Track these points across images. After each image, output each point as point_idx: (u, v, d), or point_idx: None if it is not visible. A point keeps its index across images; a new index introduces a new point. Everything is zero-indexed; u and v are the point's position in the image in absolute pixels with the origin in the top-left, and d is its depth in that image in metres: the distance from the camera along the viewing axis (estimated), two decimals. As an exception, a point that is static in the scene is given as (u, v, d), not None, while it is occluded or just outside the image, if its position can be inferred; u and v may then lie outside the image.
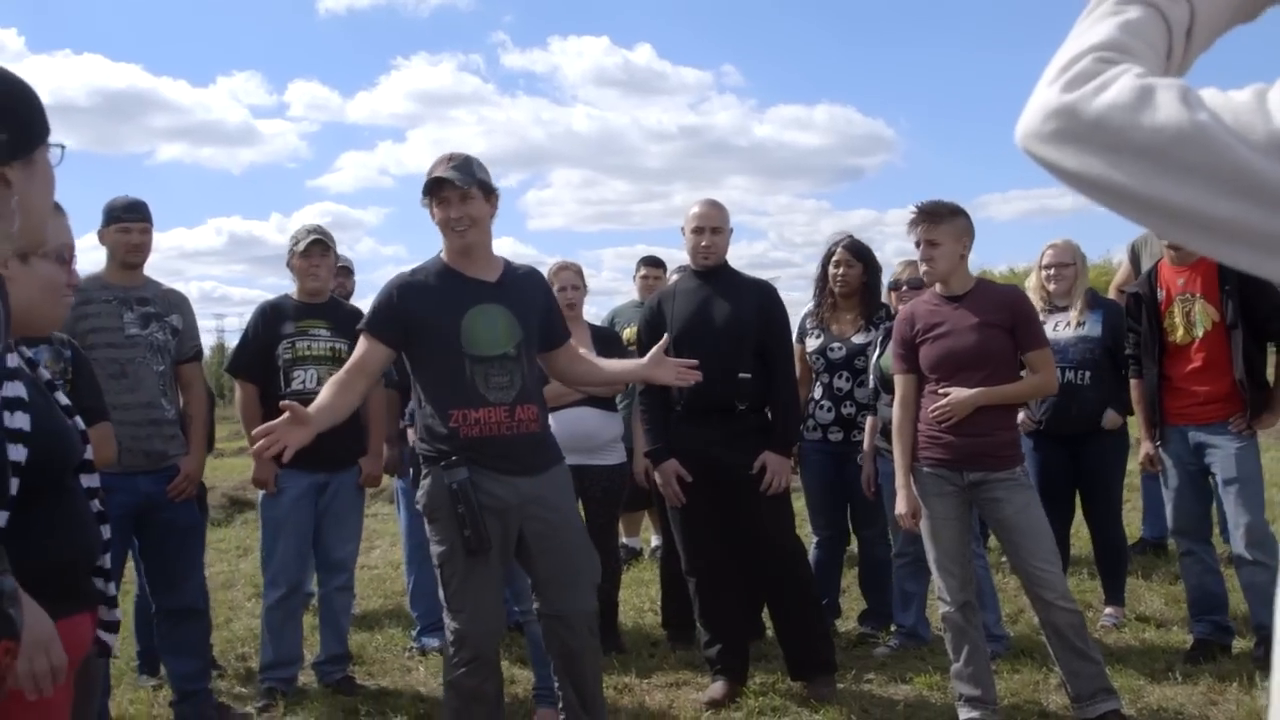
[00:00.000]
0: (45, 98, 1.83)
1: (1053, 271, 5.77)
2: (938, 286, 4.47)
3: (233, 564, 8.73)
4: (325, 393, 3.85)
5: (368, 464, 5.47)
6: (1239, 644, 5.15)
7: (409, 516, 5.98)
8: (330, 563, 5.41)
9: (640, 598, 6.86)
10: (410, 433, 4.96)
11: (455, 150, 3.97)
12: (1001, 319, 4.35)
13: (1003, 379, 4.33)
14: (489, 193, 3.95)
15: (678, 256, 5.99)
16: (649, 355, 4.06)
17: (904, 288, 5.65)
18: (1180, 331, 5.06)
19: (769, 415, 4.97)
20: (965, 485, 4.35)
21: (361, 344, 3.97)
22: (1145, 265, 7.23)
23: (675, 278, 6.40)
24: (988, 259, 46.80)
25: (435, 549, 3.90)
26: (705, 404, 4.88)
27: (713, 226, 5.01)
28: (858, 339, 5.68)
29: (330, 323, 5.35)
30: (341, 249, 5.74)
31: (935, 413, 4.34)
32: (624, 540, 7.51)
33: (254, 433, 3.74)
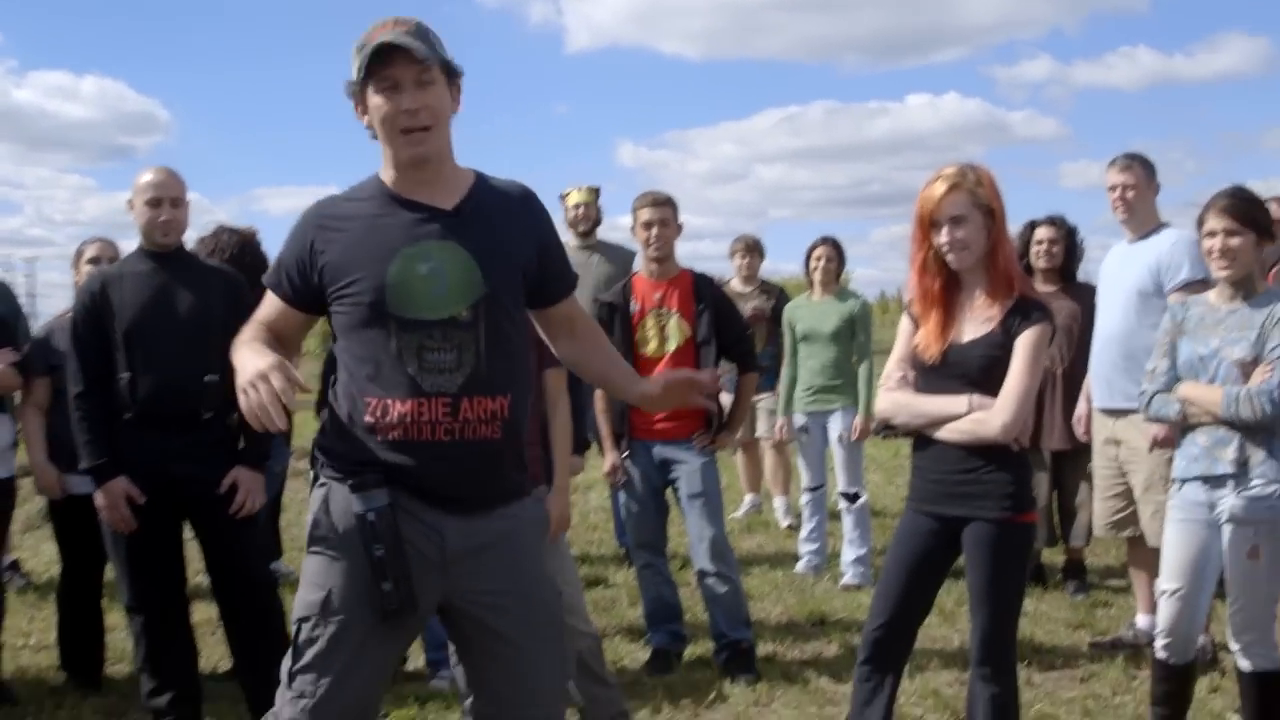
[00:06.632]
0: None
1: None
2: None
3: None
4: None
5: None
6: (692, 650, 5.28)
7: None
8: None
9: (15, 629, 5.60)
10: None
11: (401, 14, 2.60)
12: None
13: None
14: (453, 77, 2.67)
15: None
16: (681, 375, 3.02)
17: None
18: (653, 344, 5.10)
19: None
20: None
21: (266, 301, 2.75)
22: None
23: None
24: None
25: (306, 595, 2.61)
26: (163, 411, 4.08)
27: (172, 198, 4.19)
28: None
29: None
30: None
31: None
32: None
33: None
